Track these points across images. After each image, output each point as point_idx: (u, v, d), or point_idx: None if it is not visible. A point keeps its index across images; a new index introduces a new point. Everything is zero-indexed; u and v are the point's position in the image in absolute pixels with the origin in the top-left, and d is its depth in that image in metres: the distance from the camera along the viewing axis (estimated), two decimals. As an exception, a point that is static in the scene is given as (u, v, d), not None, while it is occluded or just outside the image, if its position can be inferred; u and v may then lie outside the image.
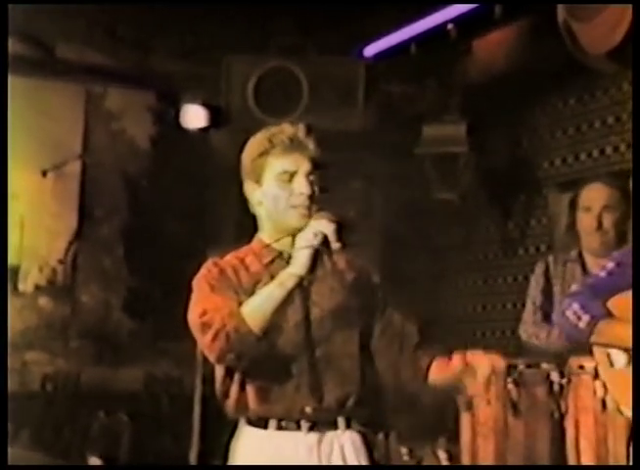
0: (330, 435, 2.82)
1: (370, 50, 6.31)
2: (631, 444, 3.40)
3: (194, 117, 6.50)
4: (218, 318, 2.73)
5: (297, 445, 2.79)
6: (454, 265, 6.82)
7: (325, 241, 2.71)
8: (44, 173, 6.72)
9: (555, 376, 3.96)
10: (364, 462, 2.84)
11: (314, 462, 2.78)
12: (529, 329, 4.47)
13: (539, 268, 4.56)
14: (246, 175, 2.93)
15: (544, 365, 4.02)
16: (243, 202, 3.00)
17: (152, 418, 6.54)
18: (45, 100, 6.66)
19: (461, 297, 6.74)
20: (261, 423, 2.82)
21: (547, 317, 4.45)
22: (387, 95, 6.64)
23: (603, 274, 3.60)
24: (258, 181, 2.89)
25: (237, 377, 2.83)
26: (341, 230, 2.71)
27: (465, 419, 4.16)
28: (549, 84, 5.94)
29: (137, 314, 6.83)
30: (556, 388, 3.95)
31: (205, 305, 2.79)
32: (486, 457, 4.06)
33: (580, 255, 4.43)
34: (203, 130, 6.54)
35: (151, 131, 6.99)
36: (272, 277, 2.79)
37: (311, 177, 2.85)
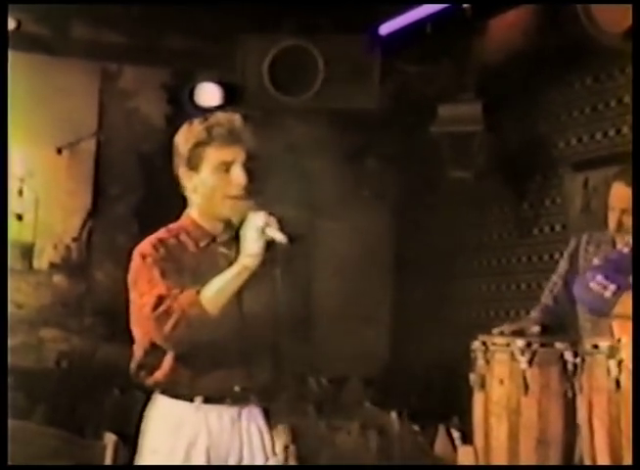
0: (246, 409, 2.94)
1: (385, 29, 6.29)
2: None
3: (209, 95, 6.50)
4: (177, 307, 2.75)
5: (222, 416, 2.90)
6: (468, 245, 6.81)
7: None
8: (59, 151, 6.73)
9: (569, 355, 3.95)
10: (267, 434, 2.97)
11: (236, 433, 2.91)
12: (532, 312, 4.38)
13: (569, 247, 4.34)
14: (181, 162, 2.95)
15: (558, 345, 4.01)
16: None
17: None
18: (60, 78, 6.66)
19: (475, 276, 6.73)
20: (188, 397, 2.89)
21: (556, 312, 4.29)
22: (402, 74, 6.61)
23: (627, 250, 3.55)
24: (195, 169, 2.92)
25: (171, 355, 2.86)
26: (281, 223, 2.76)
27: (478, 398, 4.15)
28: (565, 63, 5.91)
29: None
30: (570, 367, 3.95)
31: (158, 291, 2.79)
32: (499, 436, 4.06)
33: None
34: (217, 109, 6.54)
35: (165, 109, 6.99)
36: (210, 262, 2.86)
37: (246, 167, 2.89)
